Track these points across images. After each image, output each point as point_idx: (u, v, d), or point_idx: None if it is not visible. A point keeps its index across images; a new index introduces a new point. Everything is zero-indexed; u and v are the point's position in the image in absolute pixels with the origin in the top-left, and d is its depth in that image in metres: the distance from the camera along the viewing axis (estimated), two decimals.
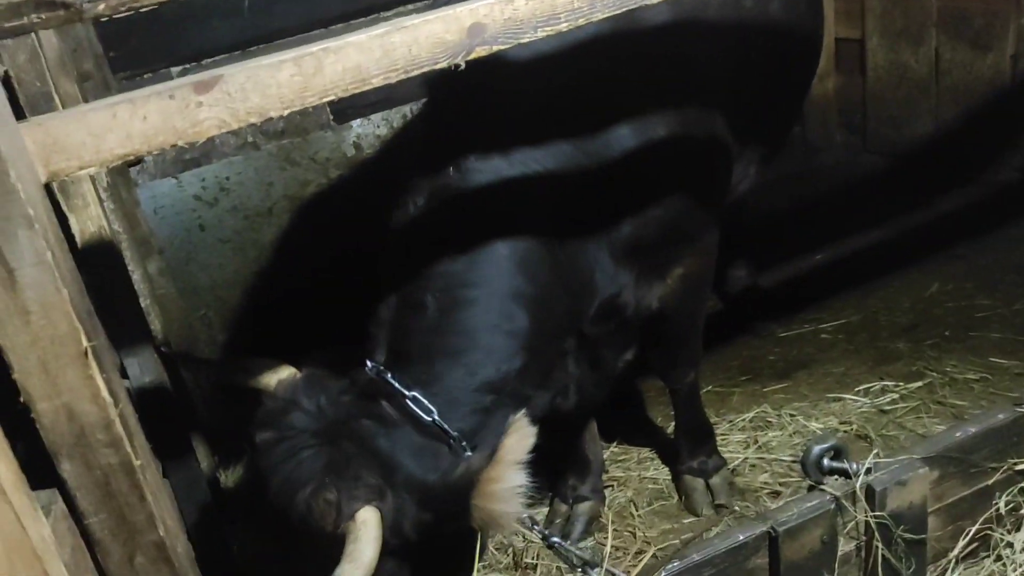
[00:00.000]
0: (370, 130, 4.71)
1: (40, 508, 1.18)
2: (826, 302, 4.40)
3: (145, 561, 1.50)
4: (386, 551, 1.98)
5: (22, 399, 1.35)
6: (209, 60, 4.38)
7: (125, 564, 1.47)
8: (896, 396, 3.55)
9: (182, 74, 4.48)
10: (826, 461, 2.30)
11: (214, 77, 1.57)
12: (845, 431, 3.44)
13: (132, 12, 1.68)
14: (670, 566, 2.10)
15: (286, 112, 1.63)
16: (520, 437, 2.01)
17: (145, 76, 4.27)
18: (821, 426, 3.50)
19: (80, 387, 1.38)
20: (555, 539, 2.41)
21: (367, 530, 1.94)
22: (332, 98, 1.66)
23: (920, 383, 3.58)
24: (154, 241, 4.26)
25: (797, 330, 4.29)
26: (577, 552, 2.43)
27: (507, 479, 1.97)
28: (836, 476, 2.30)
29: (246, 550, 3.38)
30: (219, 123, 1.59)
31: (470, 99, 2.33)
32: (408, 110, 4.68)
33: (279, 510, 2.09)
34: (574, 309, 2.43)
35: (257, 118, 1.61)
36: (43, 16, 1.48)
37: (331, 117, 4.65)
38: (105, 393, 1.40)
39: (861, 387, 3.67)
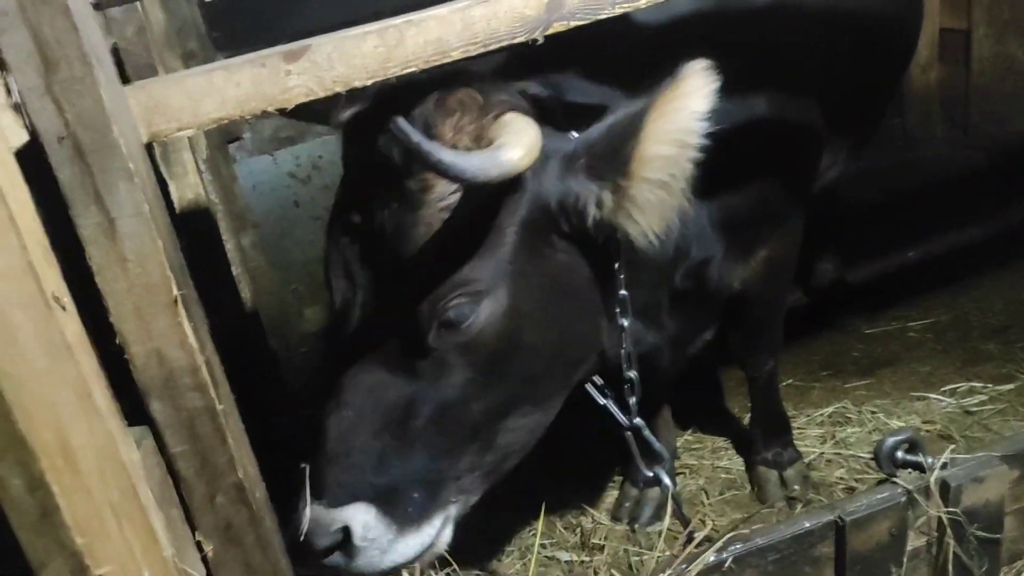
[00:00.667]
0: None
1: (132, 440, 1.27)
2: (915, 300, 4.28)
3: (225, 501, 1.59)
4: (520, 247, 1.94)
5: (117, 341, 1.46)
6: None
7: (207, 502, 1.56)
8: (984, 398, 3.43)
9: None
10: (900, 454, 2.25)
11: (303, 47, 1.65)
12: (928, 430, 3.35)
13: None
14: (733, 548, 2.10)
15: (369, 82, 1.70)
16: (698, 79, 1.78)
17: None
18: (902, 424, 3.41)
19: (170, 333, 1.48)
20: (638, 421, 2.35)
21: (520, 124, 1.82)
22: (413, 69, 1.72)
23: (1010, 386, 3.45)
24: (250, 215, 4.45)
25: (883, 327, 4.18)
26: (657, 445, 2.38)
27: (679, 117, 1.79)
28: (910, 469, 2.25)
29: None
30: (307, 91, 1.67)
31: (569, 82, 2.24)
32: None
33: (380, 147, 1.95)
34: (676, 251, 2.37)
35: (342, 87, 1.69)
36: None
37: None
38: (192, 340, 1.50)
39: (947, 387, 3.56)
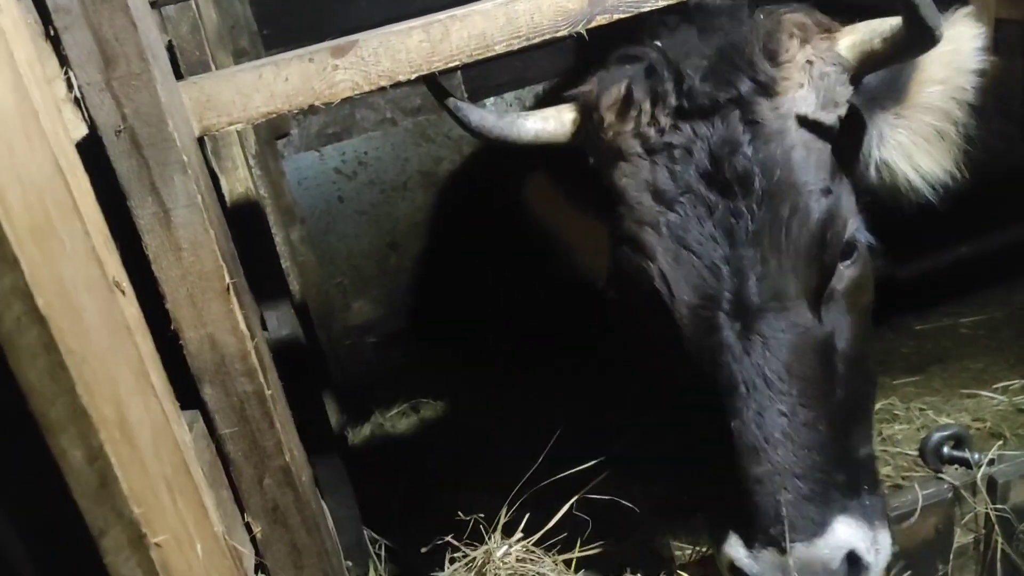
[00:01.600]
0: (503, 108, 4.80)
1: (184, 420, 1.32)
2: (968, 296, 4.19)
3: (272, 483, 1.64)
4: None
5: (172, 327, 1.51)
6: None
7: (255, 484, 1.62)
8: None
9: None
10: (946, 449, 2.22)
11: (350, 42, 1.69)
12: (978, 428, 3.28)
13: None
14: None
15: (414, 76, 1.74)
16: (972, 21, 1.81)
17: None
18: (952, 422, 3.35)
19: (222, 319, 1.53)
20: None
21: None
22: (457, 64, 1.75)
23: None
24: (297, 210, 4.53)
25: (935, 323, 4.10)
26: None
27: (958, 49, 1.80)
28: (956, 466, 2.22)
29: (369, 502, 3.58)
30: (353, 85, 1.71)
31: None
32: (540, 89, 4.74)
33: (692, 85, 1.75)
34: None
35: (387, 81, 1.73)
36: None
37: (465, 95, 4.76)
38: (243, 326, 1.55)
39: (999, 384, 3.48)
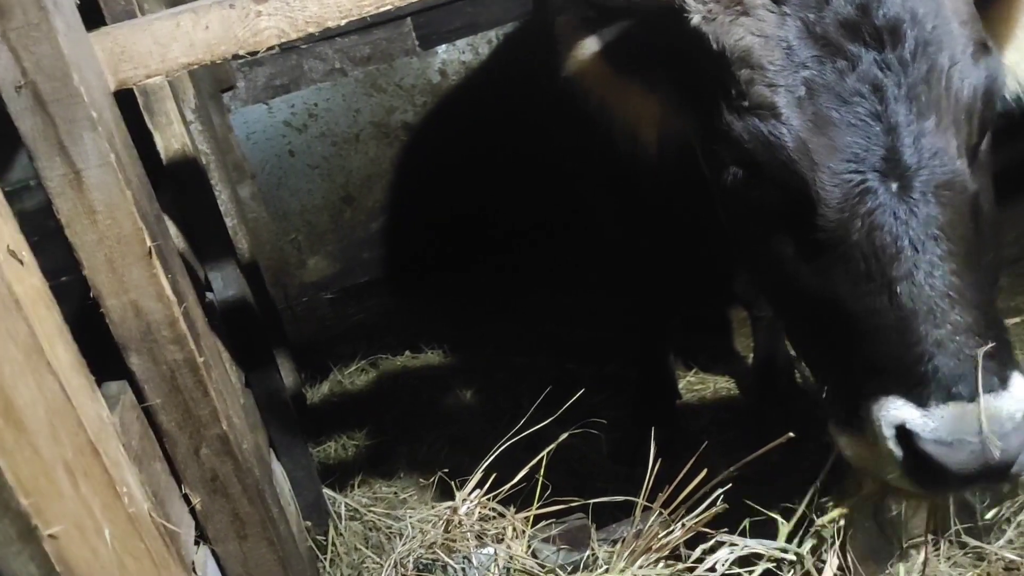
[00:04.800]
0: (455, 56, 4.68)
1: (105, 396, 1.26)
2: None
3: (210, 453, 1.58)
4: None
5: (92, 295, 1.43)
6: None
7: (191, 454, 1.56)
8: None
9: None
10: None
11: None
12: None
13: None
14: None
15: (343, 21, 1.64)
16: None
17: None
18: None
19: (145, 285, 1.45)
20: None
21: None
22: (389, 7, 1.66)
23: (1017, 319, 3.40)
24: (247, 166, 4.40)
25: None
26: None
27: None
28: None
29: (329, 461, 3.55)
30: (279, 32, 1.61)
31: None
32: (494, 35, 4.63)
33: None
34: None
35: (315, 27, 1.63)
36: None
37: (416, 43, 4.64)
38: (169, 292, 1.47)
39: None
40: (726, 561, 1.81)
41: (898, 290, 1.52)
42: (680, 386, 3.59)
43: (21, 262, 1.02)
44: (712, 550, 1.84)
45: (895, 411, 1.52)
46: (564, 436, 2.16)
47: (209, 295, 2.65)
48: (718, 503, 1.91)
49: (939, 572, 2.22)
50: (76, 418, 0.96)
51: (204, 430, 1.56)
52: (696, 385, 3.65)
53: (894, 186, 1.54)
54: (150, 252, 1.44)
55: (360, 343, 4.31)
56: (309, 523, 2.84)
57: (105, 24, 2.31)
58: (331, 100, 4.56)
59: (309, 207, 4.62)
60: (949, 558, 2.29)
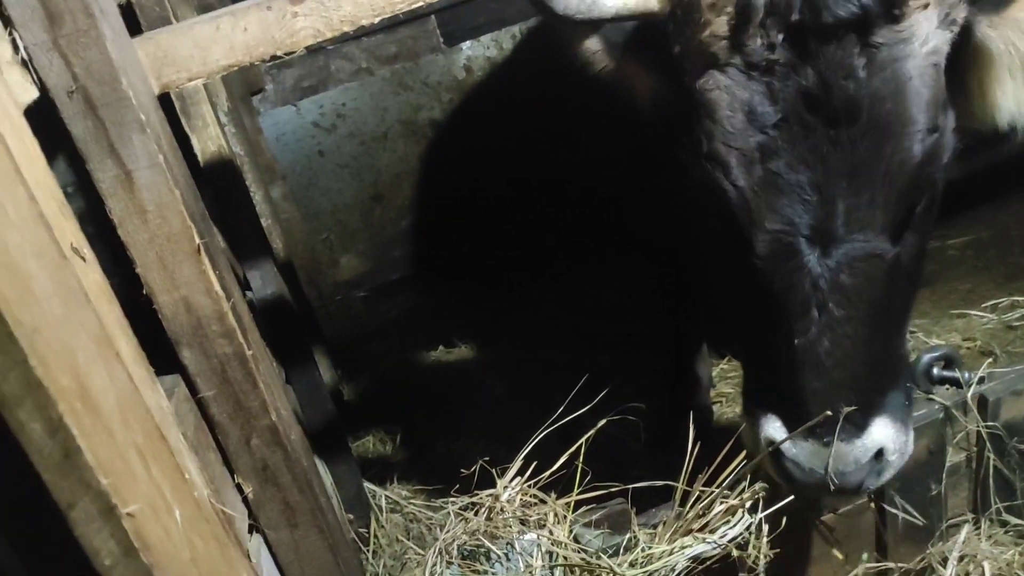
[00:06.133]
0: (480, 52, 4.71)
1: (161, 386, 1.30)
2: (954, 218, 4.18)
3: (260, 443, 1.62)
4: None
5: (144, 292, 1.48)
6: None
7: (242, 445, 1.60)
8: None
9: None
10: (936, 370, 2.22)
11: None
12: (968, 347, 3.30)
13: None
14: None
15: (377, 19, 1.68)
16: None
17: None
18: (942, 343, 3.36)
19: (195, 281, 1.50)
20: None
21: None
22: (421, 4, 1.69)
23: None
24: (277, 167, 4.46)
25: None
26: None
27: None
28: (947, 386, 2.22)
29: (368, 455, 3.60)
30: (314, 32, 1.66)
31: None
32: (517, 30, 4.65)
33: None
34: None
35: (350, 26, 1.67)
36: None
37: (441, 40, 4.67)
38: (217, 287, 1.52)
39: (988, 303, 3.49)
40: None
41: (795, 341, 1.70)
42: (713, 373, 3.60)
43: (84, 259, 1.06)
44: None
45: (771, 430, 1.82)
46: (603, 422, 2.19)
47: (248, 294, 2.70)
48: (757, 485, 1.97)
49: (980, 550, 2.22)
50: (144, 405, 1.00)
51: (254, 421, 1.61)
52: (730, 372, 3.65)
53: (817, 251, 1.67)
54: (198, 249, 1.49)
55: (394, 339, 4.36)
56: (351, 516, 2.89)
57: (141, 31, 2.38)
58: (359, 100, 4.61)
59: (340, 206, 4.67)
60: (990, 536, 2.29)
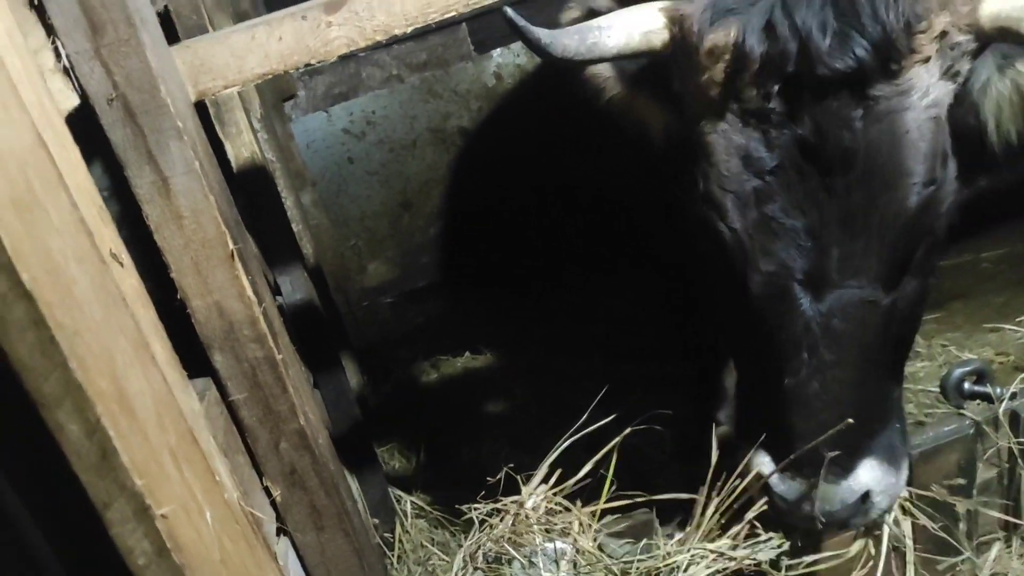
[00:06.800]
0: (511, 60, 4.73)
1: (193, 389, 1.32)
2: (989, 231, 4.13)
3: (289, 447, 1.64)
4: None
5: (179, 296, 1.50)
6: None
7: (271, 448, 1.62)
8: None
9: None
10: (967, 385, 2.19)
11: None
12: (1002, 362, 3.25)
13: None
14: None
15: (409, 29, 1.70)
16: None
17: None
18: (974, 357, 3.31)
19: (228, 286, 1.52)
20: None
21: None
22: (454, 13, 1.71)
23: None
24: (307, 173, 4.50)
25: (954, 260, 4.04)
26: None
27: None
28: (979, 401, 2.20)
29: (393, 461, 3.62)
30: (348, 42, 1.68)
31: None
32: None
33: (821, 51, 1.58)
34: None
35: (383, 35, 1.69)
36: None
37: (472, 47, 4.69)
38: (250, 292, 1.54)
39: (1022, 317, 3.44)
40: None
41: (785, 382, 1.72)
42: None
43: (122, 264, 1.09)
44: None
45: (760, 464, 1.86)
46: (628, 430, 2.19)
47: (278, 299, 2.73)
48: None
49: (1011, 569, 2.19)
50: (177, 408, 1.02)
51: (283, 425, 1.63)
52: None
53: (809, 296, 1.68)
54: (232, 255, 1.51)
55: (420, 346, 4.38)
56: (376, 521, 2.90)
57: (178, 38, 2.42)
58: (388, 107, 4.64)
59: (368, 213, 4.71)
60: (1021, 555, 2.26)
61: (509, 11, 1.61)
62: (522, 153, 4.50)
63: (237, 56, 1.63)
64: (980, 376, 2.19)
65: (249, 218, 2.74)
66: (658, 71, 1.91)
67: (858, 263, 1.65)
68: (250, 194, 2.70)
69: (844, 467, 1.76)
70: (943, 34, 1.60)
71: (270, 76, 1.67)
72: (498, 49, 4.69)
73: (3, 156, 0.75)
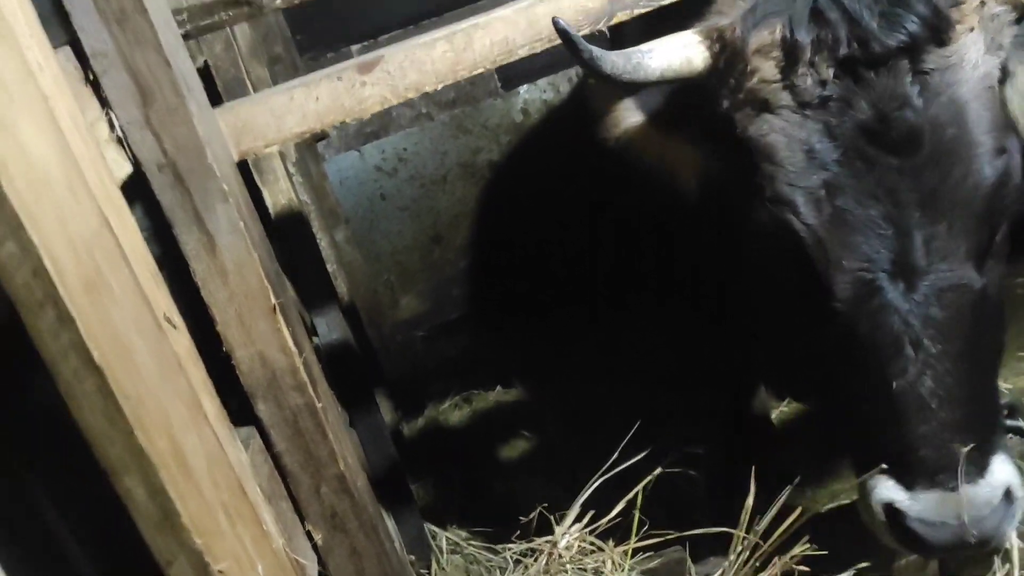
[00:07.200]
0: (537, 95, 4.81)
1: (239, 440, 1.39)
2: (1021, 257, 4.09)
3: (329, 491, 1.70)
4: None
5: (224, 348, 1.57)
6: (386, 36, 4.63)
7: (312, 493, 1.68)
8: None
9: (361, 51, 4.77)
10: None
11: (376, 58, 1.73)
12: None
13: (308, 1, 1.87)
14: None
15: (440, 86, 1.77)
16: None
17: (328, 55, 4.58)
18: (1010, 386, 3.29)
19: (270, 337, 1.59)
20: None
21: None
22: (481, 71, 1.78)
23: None
24: (340, 211, 4.60)
25: None
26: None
27: None
28: (1011, 435, 2.20)
29: (428, 496, 3.66)
30: (381, 99, 1.75)
31: None
32: (574, 73, 4.73)
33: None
34: None
35: (415, 93, 1.76)
36: (231, 13, 1.69)
37: (499, 84, 4.78)
38: (291, 343, 1.61)
39: None
40: None
41: (894, 385, 1.64)
42: (773, 416, 3.58)
43: (175, 327, 1.15)
44: None
45: (885, 491, 1.69)
46: (659, 471, 2.22)
47: (314, 339, 2.81)
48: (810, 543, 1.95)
49: None
50: (228, 463, 1.08)
51: (324, 470, 1.68)
52: (789, 416, 3.63)
53: (901, 287, 1.63)
54: (274, 308, 1.58)
55: (453, 379, 4.42)
56: (412, 557, 2.94)
57: (218, 91, 2.52)
58: (419, 144, 4.74)
59: (400, 248, 4.79)
60: None
61: (561, 22, 1.60)
62: (549, 186, 4.56)
63: (277, 116, 1.71)
64: (1011, 410, 2.20)
65: (286, 261, 2.83)
66: (690, 111, 1.93)
67: (945, 245, 1.61)
68: (287, 238, 2.79)
69: (977, 465, 1.63)
70: (982, 4, 1.62)
71: (307, 135, 1.75)
72: (524, 85, 4.78)
73: (75, 242, 0.82)
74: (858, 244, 1.64)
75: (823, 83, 1.64)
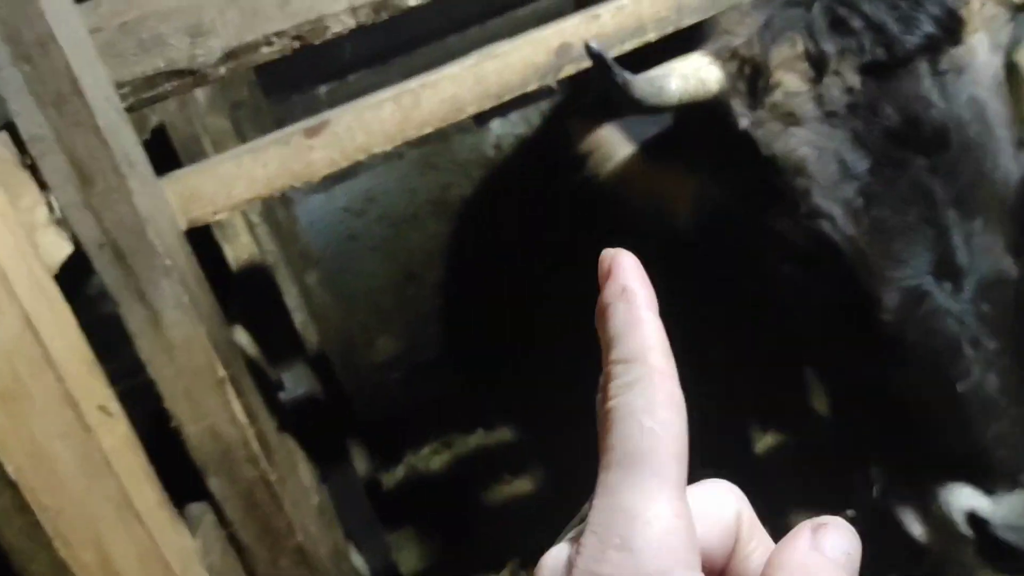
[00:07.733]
0: (509, 129, 4.82)
1: (187, 521, 1.36)
2: None
3: (288, 564, 1.67)
4: None
5: (172, 424, 1.55)
6: (354, 75, 4.63)
7: (270, 567, 1.65)
8: None
9: (328, 92, 4.77)
10: None
11: (322, 122, 1.72)
12: None
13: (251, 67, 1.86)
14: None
15: (389, 146, 1.76)
16: None
17: (293, 97, 4.58)
18: None
19: (220, 411, 1.56)
20: None
21: None
22: (430, 129, 1.77)
23: None
24: (312, 253, 4.58)
25: None
26: None
27: None
28: None
29: (407, 550, 3.61)
30: (330, 163, 1.74)
31: None
32: (545, 105, 4.74)
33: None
34: None
35: (363, 154, 1.75)
36: (174, 84, 1.67)
37: (471, 119, 4.78)
38: (242, 416, 1.58)
39: None
40: None
41: (957, 388, 1.58)
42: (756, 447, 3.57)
43: (111, 415, 1.13)
44: None
45: (965, 500, 1.61)
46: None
47: (280, 394, 2.78)
48: None
49: None
50: (164, 560, 1.05)
51: (282, 541, 1.66)
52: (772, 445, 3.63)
53: (947, 287, 1.60)
54: (222, 380, 1.56)
55: (431, 423, 4.38)
56: None
57: (174, 150, 2.51)
58: (387, 183, 4.73)
59: (373, 288, 4.76)
60: None
61: (594, 46, 1.57)
62: (525, 217, 4.56)
63: (225, 184, 1.69)
64: None
65: (250, 316, 2.81)
66: (688, 137, 1.91)
67: (983, 241, 1.61)
68: (250, 294, 2.77)
69: None
70: (981, 4, 1.65)
71: (257, 200, 1.73)
72: (496, 120, 4.78)
73: None
74: (899, 250, 1.63)
75: (849, 90, 1.65)
